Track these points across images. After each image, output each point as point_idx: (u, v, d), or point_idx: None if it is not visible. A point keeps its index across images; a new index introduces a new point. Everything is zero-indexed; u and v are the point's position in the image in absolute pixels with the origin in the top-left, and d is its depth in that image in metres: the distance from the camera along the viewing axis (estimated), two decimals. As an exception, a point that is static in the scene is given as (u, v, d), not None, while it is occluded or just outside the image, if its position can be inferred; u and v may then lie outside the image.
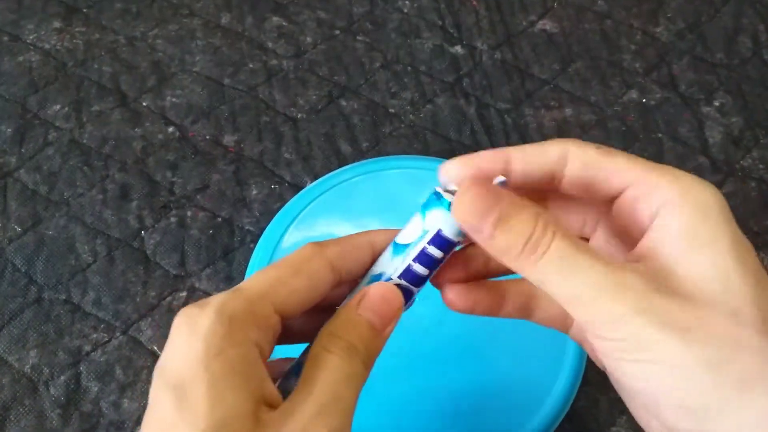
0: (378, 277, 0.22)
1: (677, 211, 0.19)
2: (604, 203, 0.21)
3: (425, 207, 0.21)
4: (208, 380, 0.18)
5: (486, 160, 0.21)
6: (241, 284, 0.20)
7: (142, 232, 0.41)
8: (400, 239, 0.22)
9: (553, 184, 0.21)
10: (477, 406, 0.33)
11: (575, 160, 0.20)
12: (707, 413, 0.17)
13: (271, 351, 0.20)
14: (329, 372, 0.19)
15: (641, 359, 0.18)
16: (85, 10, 0.51)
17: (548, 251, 0.19)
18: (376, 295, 0.21)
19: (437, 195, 0.21)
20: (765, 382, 0.17)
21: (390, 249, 0.22)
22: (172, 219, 0.41)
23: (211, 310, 0.19)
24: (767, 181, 0.43)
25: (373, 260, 0.22)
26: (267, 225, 0.39)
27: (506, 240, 0.19)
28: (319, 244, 0.21)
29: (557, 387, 0.33)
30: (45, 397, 0.35)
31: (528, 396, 0.33)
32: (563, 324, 0.24)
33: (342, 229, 0.39)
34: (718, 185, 0.43)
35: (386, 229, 0.23)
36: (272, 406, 0.19)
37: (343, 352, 0.20)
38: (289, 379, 0.21)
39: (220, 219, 0.41)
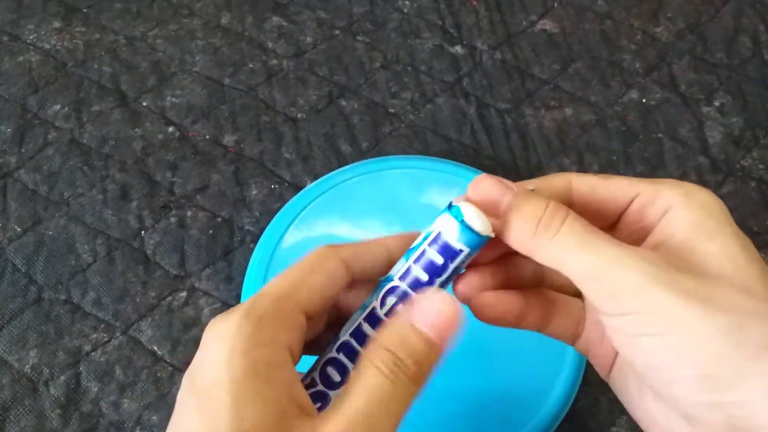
0: (387, 279, 0.21)
1: (683, 210, 0.20)
2: (612, 221, 0.22)
3: (438, 214, 0.22)
4: (230, 385, 0.17)
5: (495, 191, 0.21)
6: (263, 288, 0.20)
7: (142, 232, 0.41)
8: (413, 244, 0.22)
9: None
10: (477, 405, 0.33)
11: (580, 186, 0.22)
12: (726, 381, 0.17)
13: (301, 352, 0.20)
14: (367, 390, 0.18)
15: (658, 331, 0.18)
16: (84, 10, 0.51)
17: (561, 229, 0.19)
18: (436, 307, 0.20)
19: (449, 203, 0.21)
20: None
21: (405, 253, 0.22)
22: (172, 219, 0.41)
23: (239, 313, 0.19)
24: (767, 181, 0.43)
25: (389, 263, 0.22)
26: (267, 225, 0.39)
27: (520, 221, 0.20)
28: (333, 246, 0.22)
29: (557, 387, 0.33)
30: (45, 397, 0.35)
31: (528, 396, 0.33)
32: (572, 336, 0.24)
33: (342, 229, 0.39)
34: (718, 185, 0.43)
35: (404, 233, 0.23)
36: (303, 409, 0.18)
37: (387, 369, 0.18)
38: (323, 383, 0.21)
39: (220, 219, 0.41)
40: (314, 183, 0.41)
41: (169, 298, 0.38)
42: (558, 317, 0.24)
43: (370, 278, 0.22)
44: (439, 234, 0.21)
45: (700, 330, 0.18)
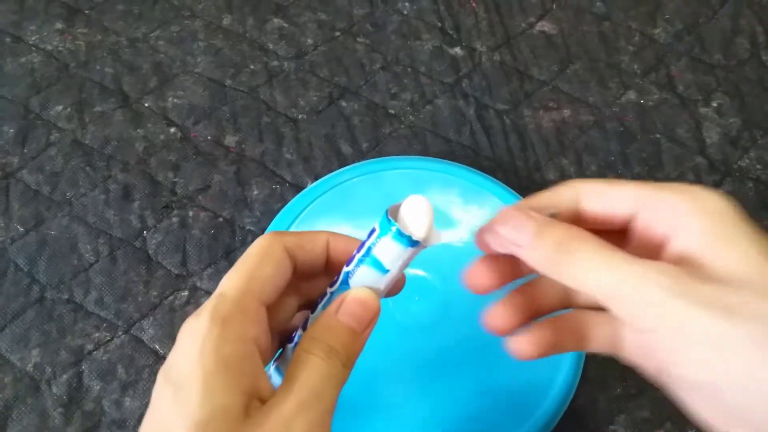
0: (347, 274, 0.23)
1: (695, 218, 0.20)
2: (621, 230, 0.22)
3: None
4: (203, 376, 0.19)
5: (519, 223, 0.22)
6: (221, 289, 0.22)
7: (144, 232, 0.41)
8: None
9: (578, 223, 0.22)
10: (476, 405, 0.34)
11: (588, 193, 0.22)
12: (762, 392, 0.17)
13: (269, 340, 0.22)
14: (310, 372, 0.20)
15: (686, 345, 0.18)
16: (87, 12, 0.52)
17: (581, 250, 0.20)
18: (355, 300, 0.22)
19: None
20: None
21: None
22: (174, 219, 0.42)
23: (206, 316, 0.20)
24: (764, 182, 0.44)
25: (328, 257, 0.24)
26: (268, 225, 0.40)
27: (542, 247, 0.21)
28: (277, 234, 0.23)
29: (556, 385, 0.34)
30: (47, 396, 0.35)
31: (527, 394, 0.34)
32: (612, 350, 0.24)
33: (342, 229, 0.39)
34: (716, 185, 0.43)
35: (346, 235, 0.24)
36: (266, 396, 0.20)
37: (324, 354, 0.21)
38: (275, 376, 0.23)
39: (221, 219, 0.42)
40: (315, 183, 0.41)
41: (171, 298, 0.39)
42: (595, 334, 0.24)
43: (310, 268, 0.24)
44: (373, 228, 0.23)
45: (727, 341, 0.17)
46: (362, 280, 0.23)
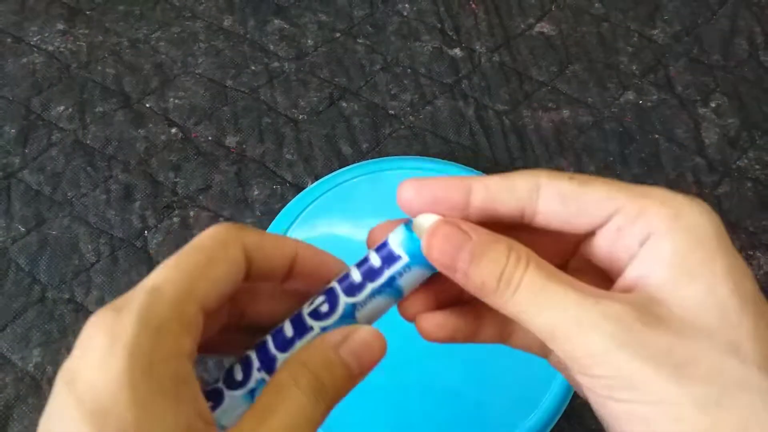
0: (352, 306, 0.20)
1: (667, 237, 0.17)
2: (584, 236, 0.19)
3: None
4: (136, 406, 0.15)
5: (443, 188, 0.19)
6: (157, 280, 0.17)
7: (145, 232, 0.41)
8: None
9: (522, 221, 0.19)
10: (475, 403, 0.34)
11: (549, 193, 0.19)
12: None
13: (195, 353, 0.18)
14: (291, 409, 0.17)
15: (629, 399, 0.16)
16: (88, 12, 0.52)
17: (522, 284, 0.18)
18: (364, 341, 0.19)
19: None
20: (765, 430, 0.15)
21: None
22: (175, 219, 0.42)
23: (133, 318, 0.16)
24: (763, 182, 0.44)
25: (291, 270, 0.20)
26: (269, 225, 0.40)
27: (480, 277, 0.18)
28: (236, 227, 0.19)
29: (555, 384, 0.34)
30: (48, 396, 0.35)
31: (526, 393, 0.34)
32: (542, 349, 0.22)
33: (342, 229, 0.39)
34: (715, 186, 0.44)
35: (320, 250, 0.21)
36: (207, 423, 0.16)
37: (311, 392, 0.18)
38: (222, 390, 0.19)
39: (222, 219, 0.42)
40: (315, 183, 0.41)
41: (172, 297, 0.39)
42: (521, 332, 0.21)
43: (266, 276, 0.19)
44: (386, 240, 0.19)
45: (672, 403, 0.15)
46: (374, 312, 0.19)
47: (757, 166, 0.44)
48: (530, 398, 0.33)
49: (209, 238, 0.18)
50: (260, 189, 0.43)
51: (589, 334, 0.16)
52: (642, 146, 0.45)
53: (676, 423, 0.15)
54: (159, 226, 0.41)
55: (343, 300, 0.19)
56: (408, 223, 0.19)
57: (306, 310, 0.20)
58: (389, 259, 0.19)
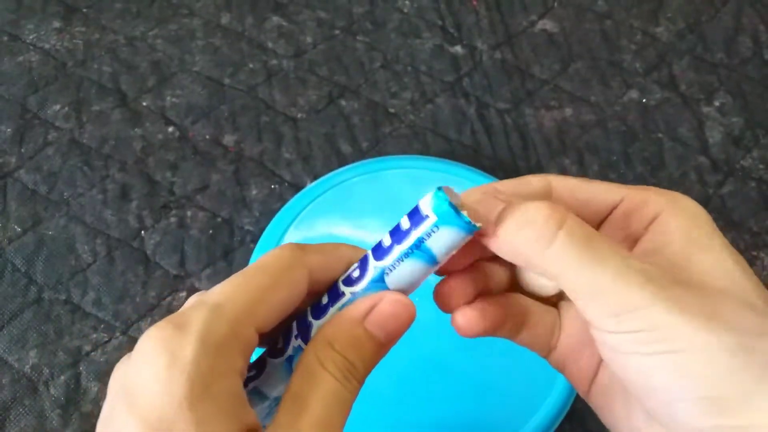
0: (382, 270, 0.20)
1: (672, 216, 0.20)
2: (594, 224, 0.21)
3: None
4: (196, 425, 0.16)
5: (476, 193, 0.20)
6: (220, 297, 0.18)
7: (142, 232, 0.41)
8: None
9: None
10: (477, 406, 0.33)
11: (560, 188, 0.21)
12: (733, 404, 0.17)
13: (246, 370, 0.19)
14: (324, 397, 0.18)
15: (660, 350, 0.17)
16: (84, 10, 0.51)
17: (559, 236, 0.18)
18: (390, 309, 0.19)
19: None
20: None
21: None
22: (172, 219, 0.41)
23: (194, 338, 0.16)
24: (767, 181, 0.43)
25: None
26: (267, 225, 0.39)
27: (514, 228, 0.18)
28: (301, 249, 0.19)
29: (557, 387, 0.33)
30: (45, 397, 0.35)
31: (528, 396, 0.33)
32: (544, 347, 0.23)
33: (342, 229, 0.39)
34: (718, 185, 0.43)
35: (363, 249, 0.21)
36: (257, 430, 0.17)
37: (341, 374, 0.18)
38: (260, 381, 0.20)
39: (220, 219, 0.41)
40: (314, 183, 0.41)
41: (169, 298, 0.38)
42: (529, 327, 0.22)
43: (326, 288, 0.20)
44: (417, 205, 0.19)
45: (706, 349, 0.17)
46: (405, 277, 0.19)
47: (761, 166, 0.44)
48: (532, 401, 0.33)
49: (275, 258, 0.19)
50: (258, 188, 0.43)
51: (630, 287, 0.17)
52: (645, 145, 0.45)
53: (710, 365, 0.17)
54: (156, 226, 0.41)
55: (373, 264, 0.19)
56: (440, 188, 0.19)
57: (341, 277, 0.20)
58: (417, 220, 0.19)
